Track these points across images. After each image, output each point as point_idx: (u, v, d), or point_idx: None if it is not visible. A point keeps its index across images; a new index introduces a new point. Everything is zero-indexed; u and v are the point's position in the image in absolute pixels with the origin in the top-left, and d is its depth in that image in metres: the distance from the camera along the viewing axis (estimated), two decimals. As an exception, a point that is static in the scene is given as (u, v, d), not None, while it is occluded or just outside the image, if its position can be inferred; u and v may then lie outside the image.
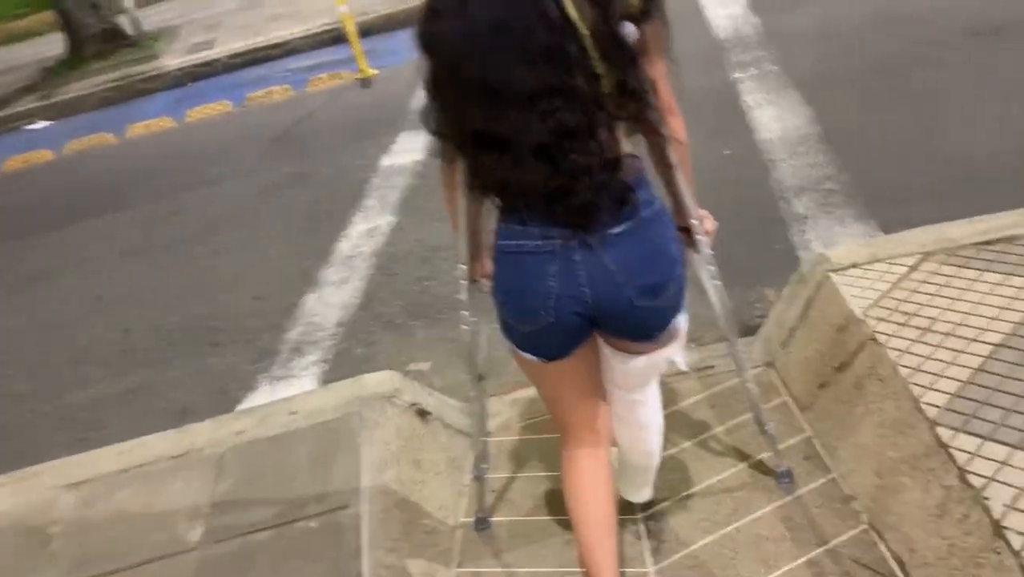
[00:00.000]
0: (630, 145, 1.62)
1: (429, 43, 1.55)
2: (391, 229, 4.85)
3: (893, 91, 4.96)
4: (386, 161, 5.90)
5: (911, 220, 3.48)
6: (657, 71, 1.60)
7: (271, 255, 4.95)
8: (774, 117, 4.97)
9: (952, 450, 2.02)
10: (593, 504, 1.87)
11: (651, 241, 1.62)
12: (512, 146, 1.48)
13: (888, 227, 3.63)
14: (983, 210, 2.91)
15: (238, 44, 10.09)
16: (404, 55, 8.69)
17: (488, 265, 1.79)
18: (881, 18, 6.11)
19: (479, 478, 2.41)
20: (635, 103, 1.53)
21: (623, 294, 1.60)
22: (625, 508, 2.34)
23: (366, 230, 4.92)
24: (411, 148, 6.00)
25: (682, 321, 1.78)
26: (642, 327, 1.70)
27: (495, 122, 1.49)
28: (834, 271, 2.84)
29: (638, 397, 1.97)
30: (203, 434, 2.92)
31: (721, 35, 6.62)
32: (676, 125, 1.69)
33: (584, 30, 1.43)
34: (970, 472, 1.95)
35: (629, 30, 1.48)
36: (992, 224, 2.85)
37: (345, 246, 4.79)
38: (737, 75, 5.74)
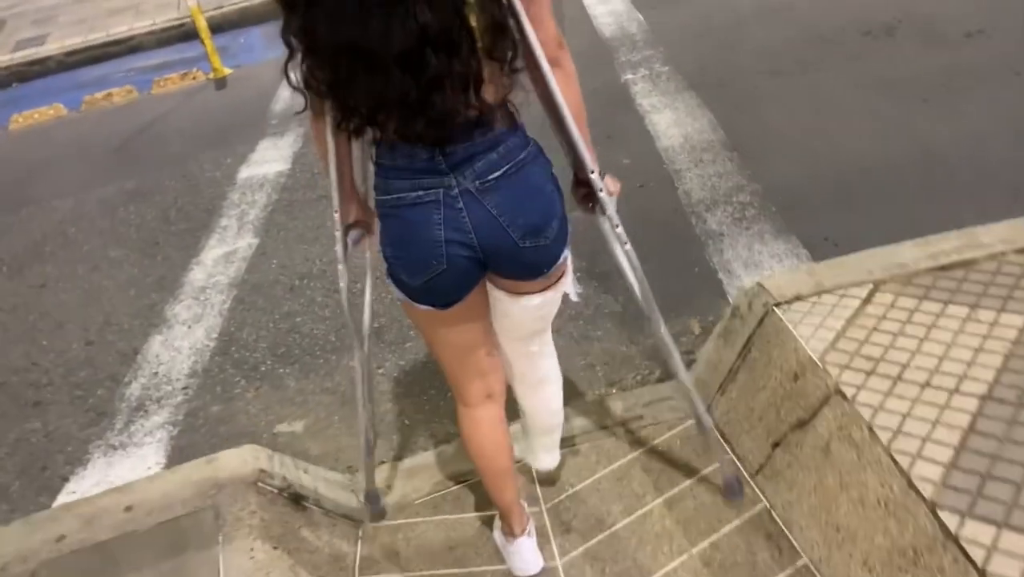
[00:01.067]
0: (511, 97, 1.57)
1: None
2: (252, 253, 4.21)
3: (788, 92, 4.71)
4: (244, 172, 5.23)
5: (833, 233, 3.20)
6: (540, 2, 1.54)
7: (108, 288, 4.21)
8: (673, 122, 4.61)
9: (965, 543, 1.64)
10: (495, 452, 1.99)
11: (529, 183, 1.62)
12: (376, 57, 1.41)
13: (810, 242, 3.32)
14: (896, 217, 2.61)
15: (74, 40, 9.05)
16: (262, 52, 7.98)
17: (356, 210, 1.85)
18: (764, 11, 5.89)
19: (369, 453, 2.28)
20: (504, 42, 1.48)
21: (508, 236, 1.61)
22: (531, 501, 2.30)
23: (223, 255, 4.26)
24: (273, 157, 5.35)
25: (567, 255, 1.75)
26: (531, 266, 1.70)
27: (357, 31, 1.39)
28: (776, 305, 2.45)
29: (535, 348, 2.00)
30: (9, 543, 2.26)
31: (607, 33, 6.26)
32: (563, 58, 1.62)
33: None
34: (994, 575, 1.57)
35: None
36: (943, 247, 2.53)
37: (198, 275, 4.12)
38: (628, 76, 5.37)
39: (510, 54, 1.50)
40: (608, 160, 4.12)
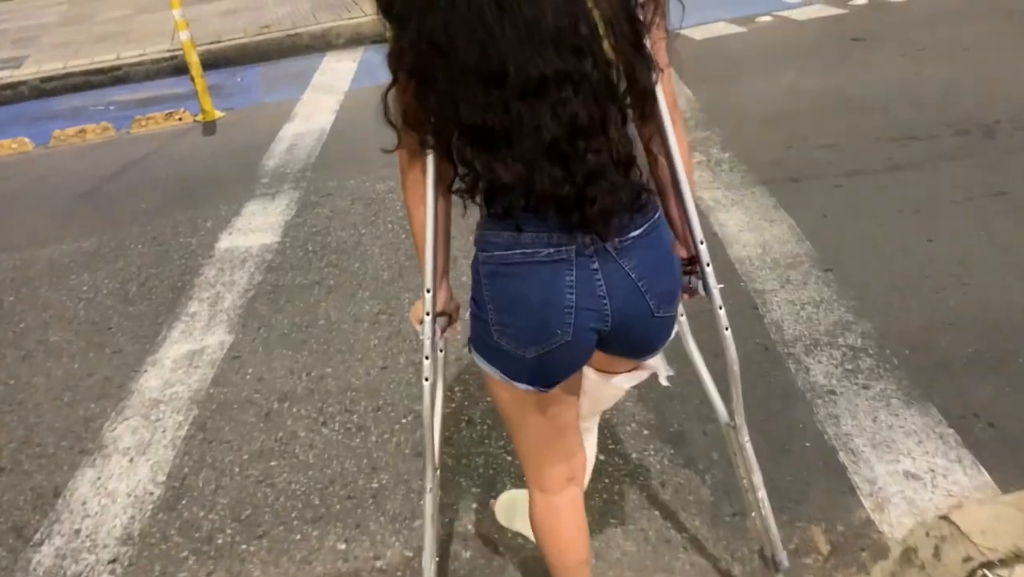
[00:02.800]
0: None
1: (404, 9, 1.27)
2: (222, 357, 3.36)
3: (878, 195, 3.97)
4: (225, 242, 4.39)
5: (984, 408, 2.45)
6: (660, 56, 1.41)
7: (38, 388, 3.34)
8: (745, 224, 3.83)
9: None
10: (572, 543, 1.77)
11: (664, 244, 1.49)
12: (517, 144, 1.28)
13: (955, 418, 2.54)
14: None
15: (53, 65, 8.25)
16: (259, 94, 7.23)
17: (446, 295, 1.63)
18: (836, 99, 5.16)
19: None
20: (645, 95, 1.38)
21: (645, 304, 1.45)
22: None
23: (186, 355, 3.40)
24: (260, 225, 4.52)
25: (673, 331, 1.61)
26: (655, 339, 1.56)
27: (495, 114, 1.26)
28: (987, 566, 1.62)
29: (587, 425, 1.90)
30: None
31: (650, 106, 5.51)
32: (679, 117, 1.50)
33: (595, 8, 1.27)
34: None
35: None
36: None
37: (152, 382, 3.26)
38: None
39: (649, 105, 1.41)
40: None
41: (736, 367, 1.72)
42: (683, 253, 1.61)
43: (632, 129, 1.41)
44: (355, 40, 8.32)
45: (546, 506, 1.74)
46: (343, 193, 4.84)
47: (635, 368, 1.68)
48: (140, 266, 4.25)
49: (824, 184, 4.15)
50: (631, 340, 1.51)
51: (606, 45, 1.27)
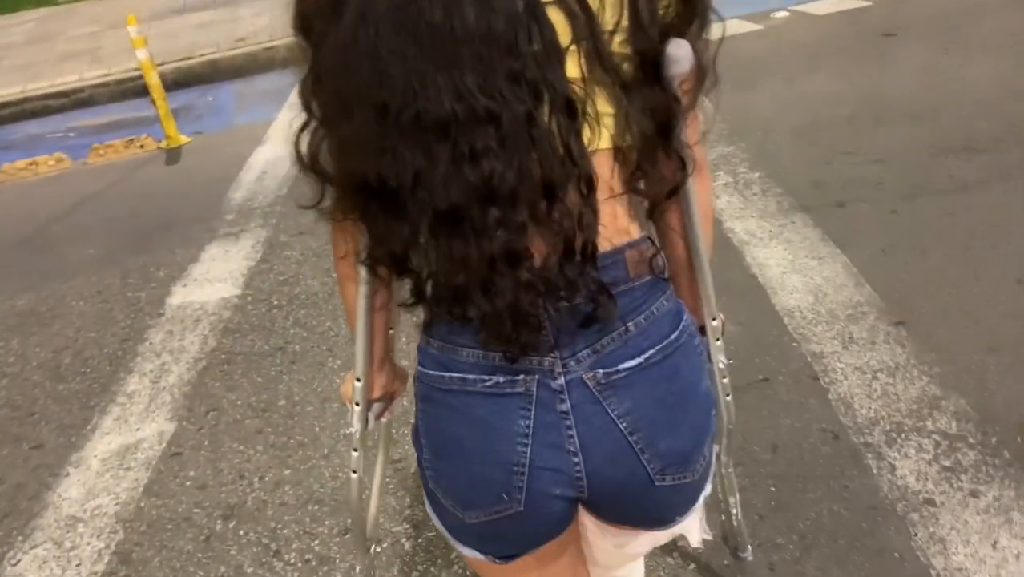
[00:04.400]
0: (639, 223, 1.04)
1: (307, 24, 0.98)
2: (160, 454, 2.74)
3: (945, 224, 3.34)
4: (178, 296, 3.77)
5: None
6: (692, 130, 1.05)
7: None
8: (790, 265, 3.20)
9: None
10: None
11: (680, 379, 1.03)
12: (409, 205, 0.90)
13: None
14: None
15: (11, 90, 7.64)
16: (230, 115, 6.62)
17: (387, 377, 1.26)
18: (880, 107, 4.52)
19: None
20: (674, 164, 1.01)
21: (640, 468, 1.01)
22: None
23: (117, 451, 2.78)
24: (220, 274, 3.90)
25: (708, 488, 1.15)
26: (660, 513, 1.10)
27: (389, 162, 0.89)
28: None
29: (621, 573, 1.42)
30: None
31: (663, 118, 4.88)
32: (705, 166, 1.11)
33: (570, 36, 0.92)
34: None
35: (679, 53, 0.98)
36: None
37: (72, 490, 2.64)
38: (705, 183, 3.97)
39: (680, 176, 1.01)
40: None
41: (732, 426, 1.41)
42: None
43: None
44: (337, 51, 7.69)
45: None
46: (317, 231, 4.20)
47: (659, 532, 1.18)
48: (79, 329, 3.63)
49: (877, 210, 3.51)
50: (624, 512, 1.10)
51: (583, 85, 0.92)
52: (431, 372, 1.05)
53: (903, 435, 2.31)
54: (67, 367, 3.35)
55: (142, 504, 2.53)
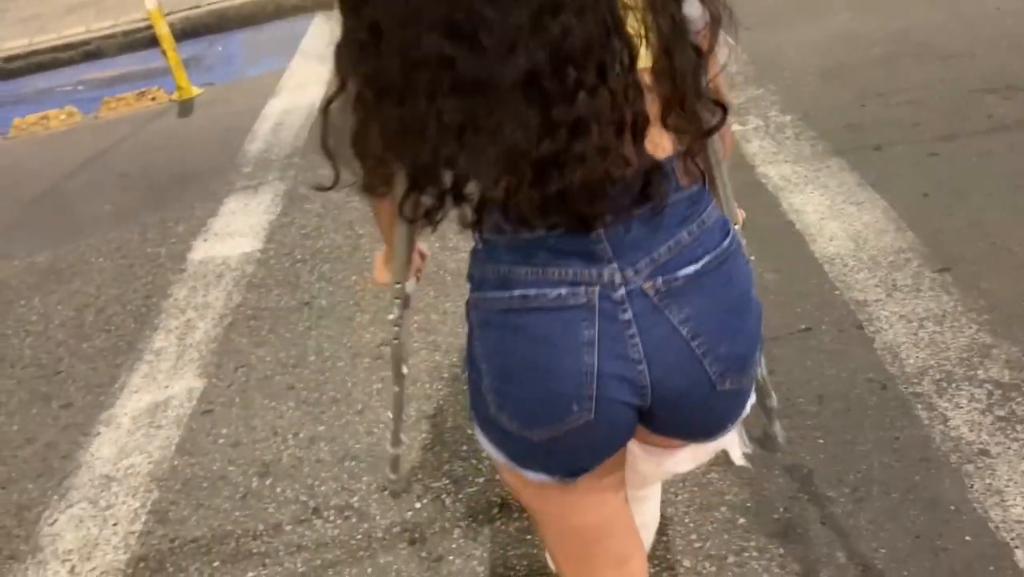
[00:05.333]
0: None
1: None
2: (191, 412, 2.71)
3: (986, 164, 3.22)
4: (199, 251, 3.72)
5: None
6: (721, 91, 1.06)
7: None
8: (828, 210, 3.11)
9: None
10: None
11: (734, 286, 1.07)
12: (488, 82, 0.86)
13: None
14: None
15: (18, 43, 7.51)
16: (241, 66, 6.49)
17: (417, 263, 1.33)
18: (911, 45, 4.38)
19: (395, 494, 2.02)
20: (686, 58, 0.97)
21: (703, 374, 1.03)
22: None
23: (147, 408, 2.75)
24: (240, 228, 3.84)
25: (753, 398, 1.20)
26: (717, 420, 1.13)
27: (459, 45, 0.85)
28: None
29: (644, 493, 1.49)
30: None
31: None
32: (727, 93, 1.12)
33: None
34: None
35: (692, 14, 0.99)
36: None
37: (104, 450, 2.62)
38: (735, 127, 3.86)
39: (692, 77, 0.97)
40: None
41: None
42: None
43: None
44: (347, -2, 7.52)
45: None
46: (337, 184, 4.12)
47: (692, 448, 1.22)
48: (100, 286, 3.59)
49: (915, 152, 3.41)
50: (684, 421, 1.11)
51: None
52: (488, 294, 1.05)
53: (954, 384, 2.25)
54: (91, 325, 3.31)
55: (175, 462, 2.51)
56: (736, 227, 1.20)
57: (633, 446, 1.19)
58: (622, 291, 1.00)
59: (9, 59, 7.30)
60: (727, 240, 1.07)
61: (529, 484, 1.14)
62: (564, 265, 0.99)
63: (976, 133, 3.45)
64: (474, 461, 2.30)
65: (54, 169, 4.99)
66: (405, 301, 1.35)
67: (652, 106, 0.96)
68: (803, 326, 2.56)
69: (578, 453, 1.09)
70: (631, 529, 1.28)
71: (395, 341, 1.40)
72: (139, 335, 3.17)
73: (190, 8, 7.54)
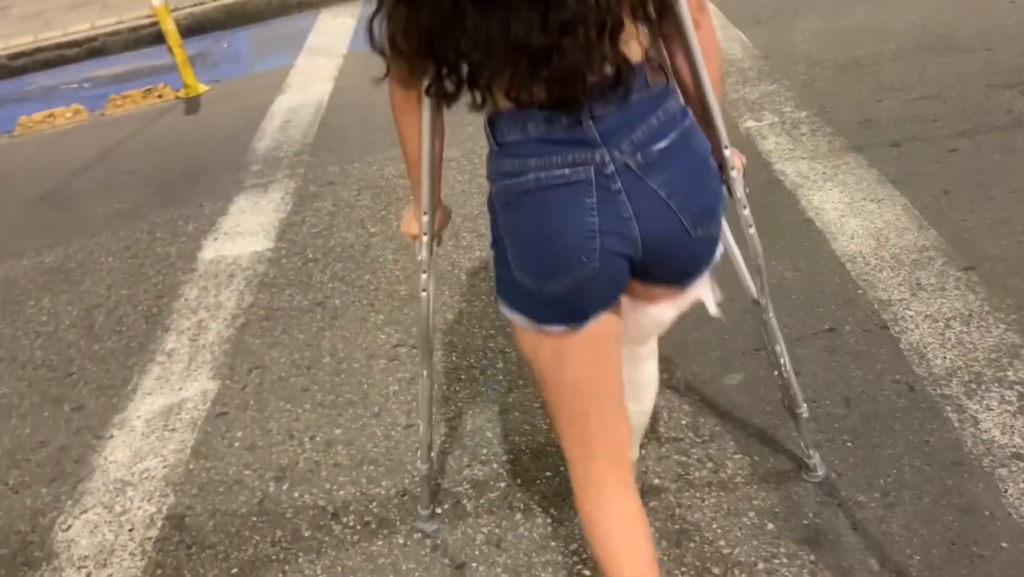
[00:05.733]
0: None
1: None
2: (204, 415, 2.67)
3: (1009, 164, 3.18)
4: (209, 250, 3.68)
5: None
6: None
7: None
8: (848, 207, 3.07)
9: None
10: (634, 563, 1.47)
11: (697, 155, 1.37)
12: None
13: None
14: None
15: (23, 40, 7.47)
16: (248, 63, 6.46)
17: (441, 216, 1.64)
18: (928, 39, 4.33)
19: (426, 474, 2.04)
20: None
21: (679, 224, 1.32)
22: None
23: (161, 411, 2.72)
24: (251, 227, 3.81)
25: (718, 253, 1.47)
26: (696, 263, 1.43)
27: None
28: None
29: (643, 351, 1.75)
30: None
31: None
32: (705, 19, 1.41)
33: None
34: None
35: None
36: None
37: (118, 454, 2.59)
38: (750, 123, 3.83)
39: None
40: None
41: (761, 260, 1.71)
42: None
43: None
44: (353, -7, 7.47)
45: (601, 513, 1.49)
46: (347, 181, 4.10)
47: (674, 296, 1.48)
48: (110, 286, 3.55)
49: (935, 148, 3.36)
50: (668, 265, 1.39)
51: None
52: (508, 182, 1.31)
53: (983, 386, 2.21)
54: (101, 325, 3.28)
55: (191, 466, 2.47)
56: (735, 173, 1.53)
57: (625, 301, 1.44)
58: (611, 167, 1.27)
59: (14, 56, 7.25)
60: (687, 120, 1.35)
61: (543, 341, 1.39)
62: (564, 153, 1.26)
63: (996, 129, 3.41)
64: (495, 465, 2.26)
65: (61, 167, 4.96)
66: (431, 248, 1.64)
67: (627, 13, 1.22)
68: (827, 326, 2.52)
69: (586, 299, 1.35)
70: (620, 392, 1.49)
71: (423, 293, 1.71)
72: (151, 336, 3.14)
73: (195, 4, 7.49)
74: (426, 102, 1.41)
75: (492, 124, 1.33)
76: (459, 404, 2.50)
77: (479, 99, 1.27)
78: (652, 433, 2.21)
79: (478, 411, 2.46)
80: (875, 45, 4.39)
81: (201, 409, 2.70)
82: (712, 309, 1.54)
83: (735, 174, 1.54)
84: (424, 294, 1.72)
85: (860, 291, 2.64)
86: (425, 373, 1.88)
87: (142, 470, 2.49)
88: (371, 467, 2.35)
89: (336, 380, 2.72)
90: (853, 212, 3.03)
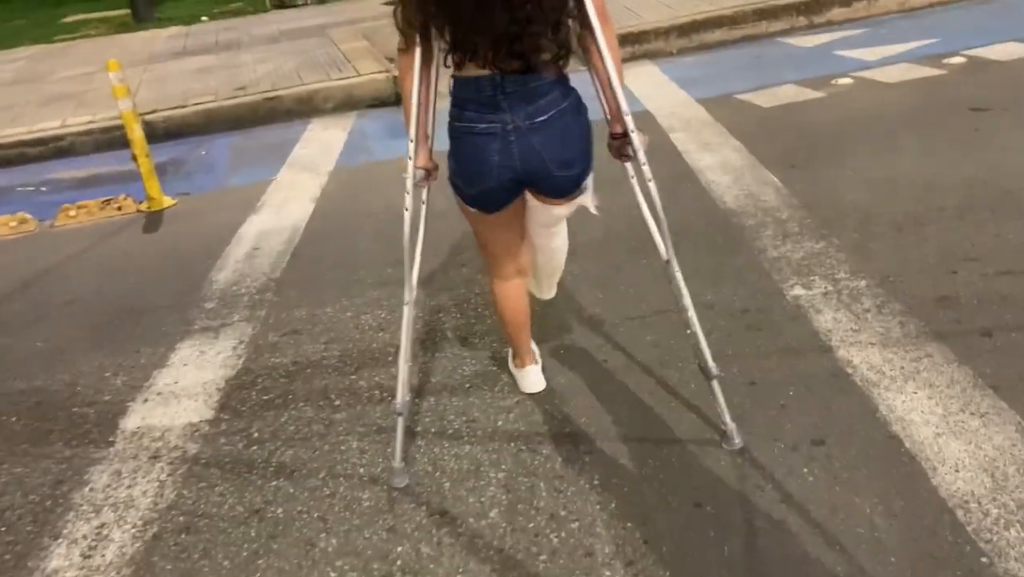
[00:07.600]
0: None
1: None
2: None
3: None
4: (134, 417, 2.99)
5: None
6: None
7: None
8: (944, 423, 2.40)
9: None
10: (518, 312, 2.68)
11: (568, 128, 2.26)
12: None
13: None
14: None
15: (-14, 134, 6.91)
16: (223, 174, 5.89)
17: (425, 155, 2.36)
18: (987, 196, 3.77)
19: (400, 414, 2.46)
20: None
21: (545, 166, 2.25)
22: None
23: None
24: (190, 387, 3.11)
25: (589, 181, 2.38)
26: (560, 188, 2.35)
27: None
28: None
29: (555, 230, 2.65)
30: None
31: (728, 201, 4.13)
32: (609, 32, 2.16)
33: None
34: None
35: None
36: None
37: None
38: (797, 291, 3.20)
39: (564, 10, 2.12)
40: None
41: (662, 213, 2.25)
42: (618, 129, 2.26)
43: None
44: (346, 104, 7.01)
45: (500, 288, 2.64)
46: (314, 330, 3.43)
47: (568, 203, 2.42)
48: (2, 461, 2.82)
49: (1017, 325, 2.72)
50: (543, 187, 2.34)
51: None
52: (456, 124, 2.27)
53: None
54: (-17, 512, 2.54)
55: None
56: (634, 136, 2.21)
57: (531, 201, 2.42)
58: (511, 127, 2.20)
59: (-28, 153, 6.66)
60: (565, 103, 2.22)
61: (471, 213, 2.44)
62: (487, 114, 2.20)
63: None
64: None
65: (-10, 289, 4.28)
66: (415, 175, 2.33)
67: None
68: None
69: (491, 200, 2.37)
70: (523, 241, 2.59)
71: (405, 211, 2.30)
72: (34, 546, 2.40)
73: (175, 107, 6.99)
74: (416, 57, 2.20)
75: (454, 84, 2.22)
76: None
77: (451, 66, 2.16)
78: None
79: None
80: (932, 200, 3.82)
81: None
82: (592, 209, 2.44)
83: (635, 135, 2.20)
84: (406, 213, 2.29)
85: (984, 558, 1.93)
86: (406, 300, 2.38)
87: None
88: None
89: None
90: (951, 429, 2.36)
